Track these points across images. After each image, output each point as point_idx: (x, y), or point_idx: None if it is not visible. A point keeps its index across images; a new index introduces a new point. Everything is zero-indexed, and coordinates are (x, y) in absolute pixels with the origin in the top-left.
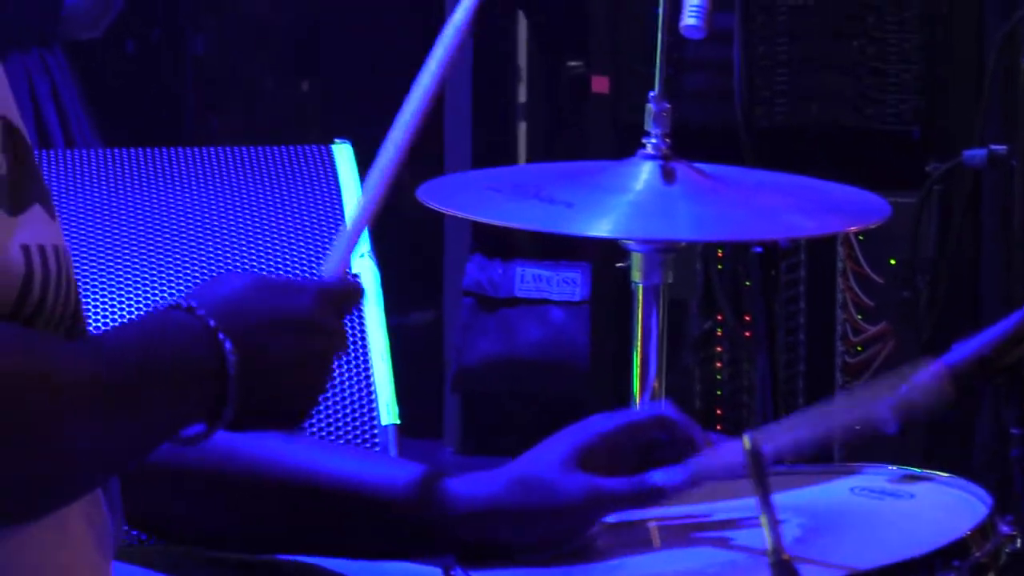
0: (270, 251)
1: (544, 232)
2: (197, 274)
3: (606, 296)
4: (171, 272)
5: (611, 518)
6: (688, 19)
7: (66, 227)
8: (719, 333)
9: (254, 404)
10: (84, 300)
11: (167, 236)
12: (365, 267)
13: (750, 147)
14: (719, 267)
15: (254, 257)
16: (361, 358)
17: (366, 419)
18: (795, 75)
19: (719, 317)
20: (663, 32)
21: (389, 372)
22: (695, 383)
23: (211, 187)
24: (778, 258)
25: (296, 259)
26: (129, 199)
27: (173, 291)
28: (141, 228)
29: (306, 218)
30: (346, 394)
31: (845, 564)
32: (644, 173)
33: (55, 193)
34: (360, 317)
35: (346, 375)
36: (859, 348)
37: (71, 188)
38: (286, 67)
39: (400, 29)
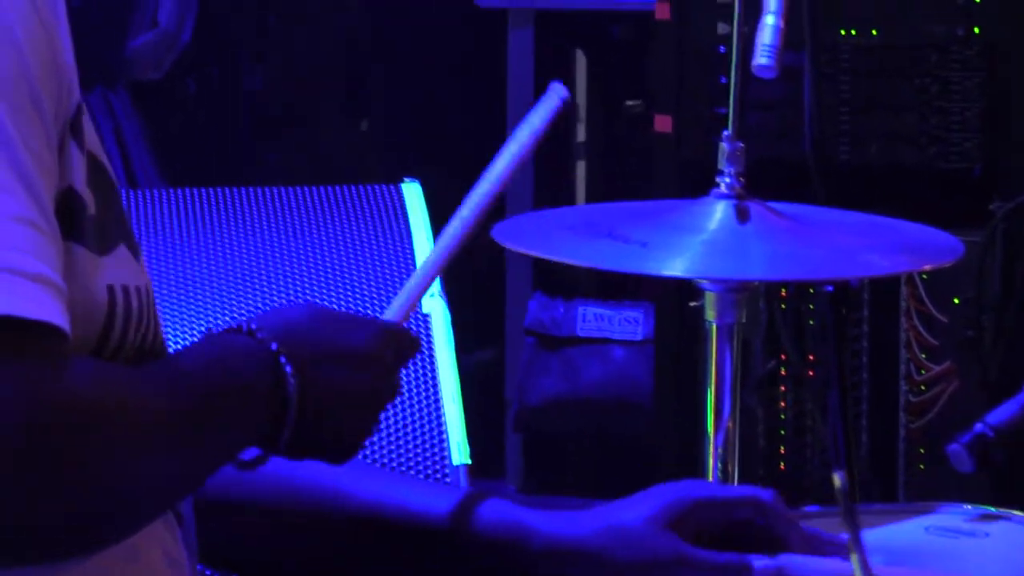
0: (340, 290)
1: (616, 272)
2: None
3: (670, 335)
4: (241, 310)
5: None
6: (760, 59)
7: None
8: (783, 372)
9: (310, 431)
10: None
11: (238, 276)
12: (436, 307)
13: (821, 186)
14: (782, 306)
15: (324, 296)
16: (432, 398)
17: (437, 459)
18: (857, 113)
19: (782, 356)
20: (736, 72)
21: (460, 412)
22: (758, 422)
23: (282, 227)
24: (849, 297)
25: (366, 298)
26: (198, 239)
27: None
28: (211, 268)
29: (376, 257)
30: (417, 434)
31: None
32: (718, 212)
33: None
34: (431, 356)
35: (417, 415)
36: (923, 387)
37: (139, 229)
38: (343, 103)
39: (460, 67)
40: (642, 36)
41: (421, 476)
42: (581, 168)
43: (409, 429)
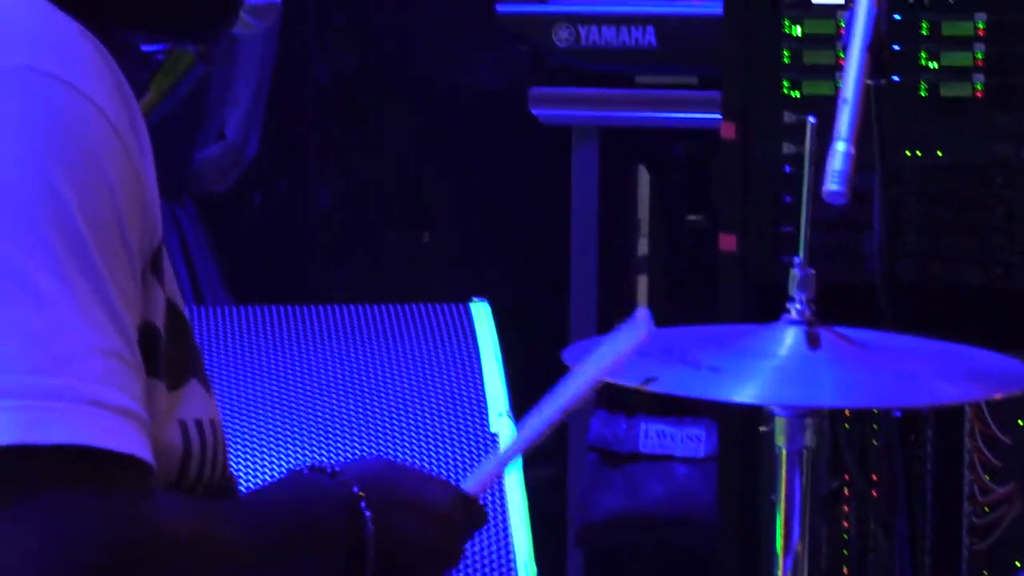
0: (409, 410)
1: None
2: (338, 431)
3: (733, 453)
4: (311, 429)
5: None
6: (831, 185)
7: None
8: (846, 492)
9: (383, 574)
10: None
11: (305, 395)
12: (503, 426)
13: (888, 310)
14: (846, 425)
15: (393, 415)
16: (499, 517)
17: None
18: (922, 235)
19: (846, 476)
20: (807, 196)
21: (527, 532)
22: (821, 542)
23: (350, 344)
24: (919, 421)
25: (434, 418)
26: (264, 356)
27: (313, 447)
28: (277, 386)
29: (445, 376)
30: (484, 552)
31: None
32: (788, 338)
33: None
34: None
35: (485, 533)
36: (987, 509)
37: (207, 345)
38: (408, 217)
39: (523, 182)
40: (706, 153)
41: None
42: (643, 282)
43: (477, 548)
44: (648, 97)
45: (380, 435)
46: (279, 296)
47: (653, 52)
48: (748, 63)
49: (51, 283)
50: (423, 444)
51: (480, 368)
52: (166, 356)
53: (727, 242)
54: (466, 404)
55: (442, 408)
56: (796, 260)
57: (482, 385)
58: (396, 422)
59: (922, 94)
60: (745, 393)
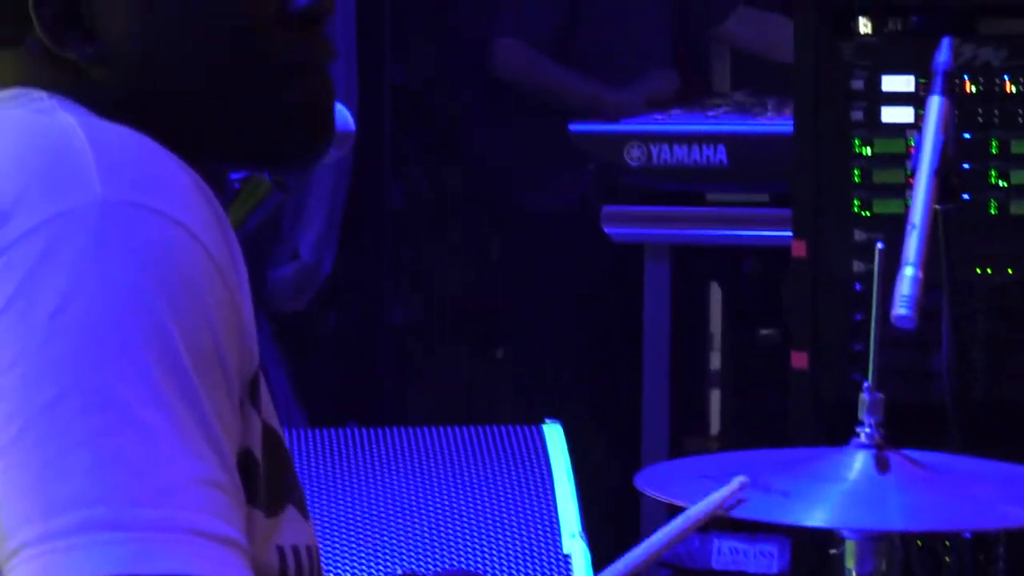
0: (481, 532)
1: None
2: (415, 552)
3: (806, 570)
4: (388, 552)
5: None
6: (899, 309)
7: None
8: None
9: None
10: None
11: (382, 516)
12: (576, 547)
13: (959, 432)
14: (919, 543)
15: (469, 535)
16: None
17: None
18: (992, 353)
19: None
20: (876, 321)
21: None
22: None
23: (428, 466)
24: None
25: (509, 536)
26: (344, 479)
27: (391, 568)
28: (357, 508)
29: (519, 496)
30: None
31: None
32: (858, 462)
33: None
34: None
35: None
36: None
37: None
38: (481, 336)
39: (594, 300)
40: (777, 270)
41: None
42: (715, 397)
43: None
44: (719, 215)
45: (456, 557)
46: (352, 414)
47: (724, 170)
48: (818, 182)
49: (152, 413)
50: (498, 565)
51: (553, 489)
52: (267, 482)
53: (799, 360)
54: (539, 525)
55: (516, 529)
56: (865, 384)
57: (555, 506)
58: (471, 544)
59: (991, 212)
60: (815, 517)
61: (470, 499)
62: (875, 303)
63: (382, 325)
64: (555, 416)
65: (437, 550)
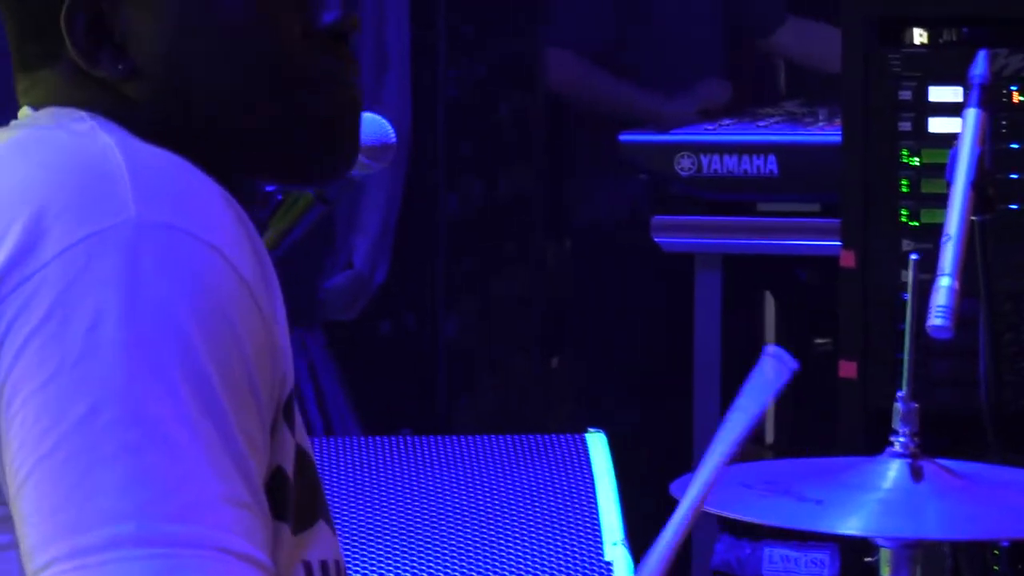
0: (526, 537)
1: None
2: (459, 559)
3: None
4: (431, 558)
5: None
6: (935, 319)
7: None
8: None
9: None
10: None
11: (426, 524)
12: (618, 555)
13: (996, 441)
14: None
15: (510, 543)
16: None
17: None
18: None
19: None
20: (911, 331)
21: None
22: None
23: (471, 473)
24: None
25: (551, 544)
26: (389, 486)
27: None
28: (401, 516)
29: (561, 504)
30: None
31: None
32: (892, 471)
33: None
34: None
35: None
36: None
37: (333, 475)
38: (534, 347)
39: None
40: (829, 280)
41: None
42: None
43: None
44: (770, 225)
45: (497, 564)
46: (406, 422)
47: (774, 180)
48: (866, 192)
49: (182, 432)
50: (540, 571)
51: (595, 497)
52: (297, 499)
53: (847, 369)
54: (581, 532)
55: (558, 536)
56: (899, 393)
57: (597, 515)
58: (513, 551)
59: None
60: (849, 525)
61: (513, 506)
62: (910, 313)
63: (436, 334)
64: (608, 425)
65: (479, 556)
